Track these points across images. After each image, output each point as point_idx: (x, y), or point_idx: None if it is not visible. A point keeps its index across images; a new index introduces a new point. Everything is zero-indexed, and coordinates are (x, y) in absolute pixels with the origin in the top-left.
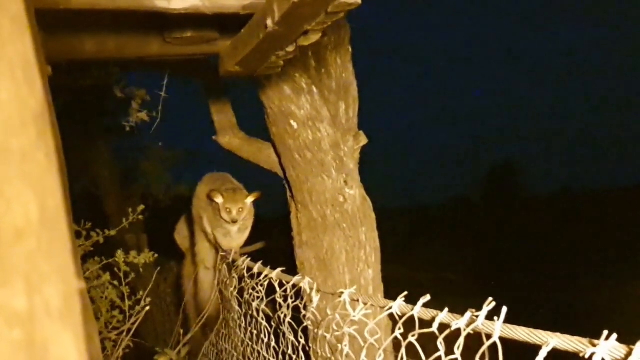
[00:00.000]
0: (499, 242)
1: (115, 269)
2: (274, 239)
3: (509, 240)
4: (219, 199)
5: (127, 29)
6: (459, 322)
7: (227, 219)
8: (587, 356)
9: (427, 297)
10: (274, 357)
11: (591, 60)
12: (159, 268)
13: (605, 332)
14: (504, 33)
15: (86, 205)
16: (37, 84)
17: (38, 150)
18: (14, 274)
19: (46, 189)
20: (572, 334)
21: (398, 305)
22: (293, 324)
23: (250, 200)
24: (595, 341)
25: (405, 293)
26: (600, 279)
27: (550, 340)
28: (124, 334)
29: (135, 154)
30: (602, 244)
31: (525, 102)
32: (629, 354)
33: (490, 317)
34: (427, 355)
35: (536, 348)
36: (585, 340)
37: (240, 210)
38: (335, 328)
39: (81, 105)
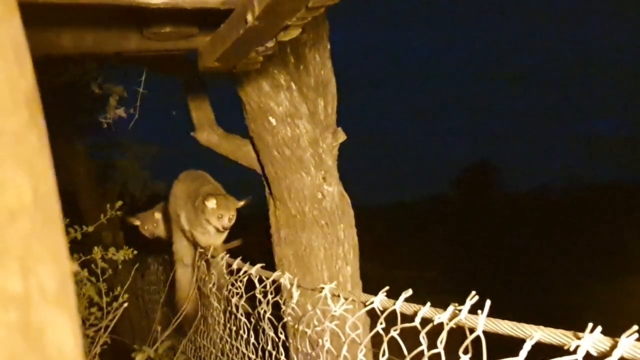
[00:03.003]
0: (476, 240)
1: (93, 266)
2: (252, 236)
3: (486, 238)
4: (212, 204)
5: (105, 23)
6: (442, 316)
7: (218, 226)
8: (571, 349)
9: (409, 292)
10: (253, 353)
11: (569, 59)
12: (137, 265)
13: (590, 325)
14: (482, 32)
15: (62, 203)
16: (27, 66)
17: (30, 132)
18: (8, 256)
19: (39, 171)
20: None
21: (380, 300)
22: (273, 319)
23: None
24: (580, 334)
25: (387, 288)
26: (578, 276)
27: (535, 334)
28: (102, 330)
29: (112, 151)
30: (579, 242)
31: (502, 100)
32: (614, 346)
33: (472, 312)
34: (409, 353)
35: (520, 342)
36: (569, 333)
37: (231, 217)
38: (316, 323)
39: (57, 101)
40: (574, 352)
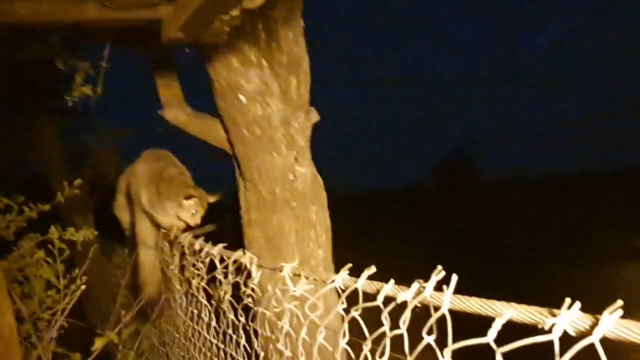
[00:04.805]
0: (452, 228)
1: (49, 246)
2: (225, 222)
3: (462, 227)
4: (190, 203)
5: None
6: (405, 295)
7: (189, 221)
8: (546, 327)
9: (372, 269)
10: (214, 337)
11: (546, 48)
12: (95, 245)
13: (568, 300)
14: (460, 18)
15: (35, 187)
16: None
17: None
18: None
19: None
20: None
21: (342, 278)
22: (233, 302)
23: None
24: (556, 311)
25: (350, 265)
26: (553, 264)
27: (505, 312)
28: (59, 313)
29: (85, 135)
30: (555, 230)
31: (478, 89)
32: (595, 324)
33: (440, 290)
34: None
35: (490, 322)
36: (544, 311)
37: (203, 214)
38: (275, 304)
39: (29, 86)
40: (549, 331)
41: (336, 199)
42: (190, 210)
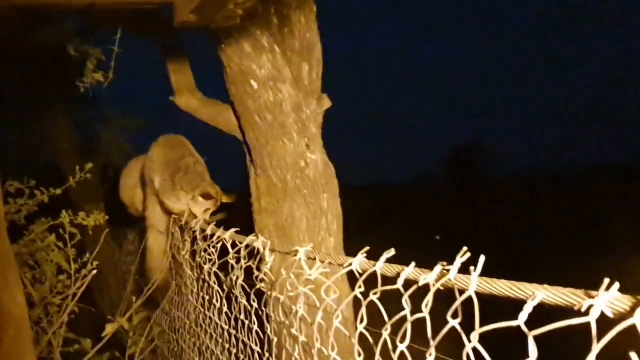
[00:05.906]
0: (462, 221)
1: (60, 231)
2: (237, 210)
3: (472, 219)
4: (208, 200)
5: None
6: (428, 277)
7: (199, 216)
8: (584, 309)
9: (392, 252)
10: (226, 324)
11: (558, 39)
12: (107, 230)
13: (607, 281)
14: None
15: (48, 177)
16: None
17: None
18: None
19: None
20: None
21: (359, 261)
22: (246, 287)
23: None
24: (593, 292)
25: (367, 248)
26: (567, 258)
27: (537, 293)
28: (69, 298)
29: (96, 125)
30: (568, 224)
31: (491, 82)
32: (636, 305)
33: (463, 273)
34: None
35: (519, 306)
36: (580, 292)
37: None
38: (289, 288)
39: (41, 75)
40: (586, 313)
41: (346, 190)
42: (203, 207)
